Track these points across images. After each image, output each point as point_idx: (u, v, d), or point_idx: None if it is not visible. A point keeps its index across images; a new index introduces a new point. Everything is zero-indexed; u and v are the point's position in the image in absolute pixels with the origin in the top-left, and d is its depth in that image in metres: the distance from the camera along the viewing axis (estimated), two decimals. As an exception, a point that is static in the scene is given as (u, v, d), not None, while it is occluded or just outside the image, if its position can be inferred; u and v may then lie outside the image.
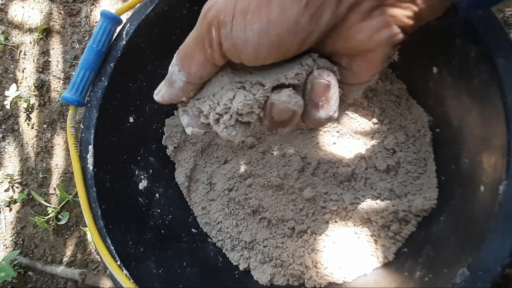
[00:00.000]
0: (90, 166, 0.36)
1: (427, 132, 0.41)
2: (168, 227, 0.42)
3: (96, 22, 0.78)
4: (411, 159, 0.41)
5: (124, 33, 0.37)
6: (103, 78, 0.37)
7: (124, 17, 0.38)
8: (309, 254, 0.42)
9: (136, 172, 0.42)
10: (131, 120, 0.41)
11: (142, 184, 0.42)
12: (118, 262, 0.33)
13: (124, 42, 0.37)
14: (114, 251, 0.33)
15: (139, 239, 0.37)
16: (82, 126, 0.37)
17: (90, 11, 0.78)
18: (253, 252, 0.43)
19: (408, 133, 0.43)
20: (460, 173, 0.32)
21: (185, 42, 0.23)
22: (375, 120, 0.45)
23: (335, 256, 0.41)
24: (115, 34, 0.38)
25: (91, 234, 0.34)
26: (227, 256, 0.44)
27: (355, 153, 0.44)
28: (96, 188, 0.35)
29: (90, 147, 0.36)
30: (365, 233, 0.40)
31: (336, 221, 0.43)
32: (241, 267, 0.43)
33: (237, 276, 0.42)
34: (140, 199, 0.41)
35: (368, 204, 0.41)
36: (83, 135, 0.37)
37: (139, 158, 0.42)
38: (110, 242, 0.34)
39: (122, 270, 0.32)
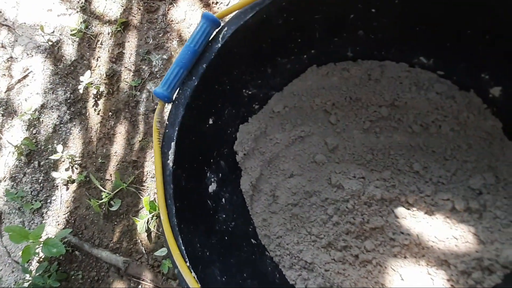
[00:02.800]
0: (170, 162, 0.36)
1: (523, 178, 0.37)
2: (231, 234, 0.41)
3: (172, 21, 0.80)
4: (501, 204, 0.38)
5: (221, 36, 0.38)
6: (194, 78, 0.38)
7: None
8: (373, 287, 0.40)
9: (208, 174, 0.42)
10: (210, 122, 0.42)
11: (212, 187, 0.42)
12: (188, 263, 0.33)
13: (219, 45, 0.38)
14: (184, 251, 0.33)
15: (205, 243, 0.37)
16: (167, 122, 0.37)
17: (168, 10, 0.81)
18: (313, 274, 0.42)
19: (499, 175, 0.39)
20: None
21: None
22: (458, 155, 0.43)
23: (403, 295, 0.38)
24: (212, 36, 0.38)
25: (164, 231, 0.34)
26: (284, 273, 0.43)
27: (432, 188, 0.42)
28: (173, 185, 0.35)
29: (173, 144, 0.36)
30: (441, 276, 0.37)
31: (406, 257, 0.40)
32: (297, 288, 0.41)
33: (293, 296, 0.41)
34: (209, 202, 0.41)
35: (446, 245, 0.38)
36: (167, 131, 0.37)
37: (212, 160, 0.42)
38: (181, 241, 0.33)
39: (191, 272, 0.32)
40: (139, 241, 0.70)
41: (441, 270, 0.37)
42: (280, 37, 0.42)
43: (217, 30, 0.38)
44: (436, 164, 0.43)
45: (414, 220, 0.41)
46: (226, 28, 0.38)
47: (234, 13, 0.38)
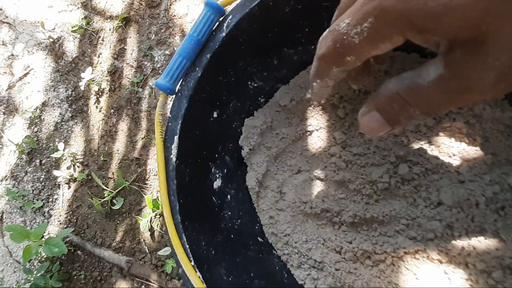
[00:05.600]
0: (173, 157, 0.34)
1: (545, 172, 0.35)
2: (237, 232, 0.40)
3: (174, 16, 0.79)
4: (522, 200, 0.36)
5: (225, 25, 0.36)
6: (197, 69, 0.36)
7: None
8: (385, 287, 0.38)
9: (213, 170, 0.40)
10: (215, 115, 0.40)
11: (217, 183, 0.40)
12: (192, 263, 0.31)
13: (223, 34, 0.36)
14: (188, 250, 0.32)
15: (211, 241, 0.35)
16: (170, 115, 0.36)
17: (170, 4, 0.80)
18: (322, 273, 0.40)
19: (519, 169, 0.37)
20: None
21: None
22: (475, 148, 0.41)
23: (418, 295, 0.36)
24: (216, 25, 0.37)
25: (168, 229, 0.32)
26: (292, 273, 0.41)
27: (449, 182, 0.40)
28: (176, 181, 0.34)
29: (176, 138, 0.35)
30: (459, 275, 0.35)
31: (421, 256, 0.38)
32: (306, 288, 0.40)
33: (302, 297, 0.39)
34: (214, 198, 0.39)
35: (464, 242, 0.36)
36: (169, 124, 0.36)
37: (216, 155, 0.41)
38: (185, 239, 0.32)
39: (196, 272, 0.30)
40: (142, 240, 0.68)
41: (459, 269, 0.35)
42: (287, 26, 0.40)
43: (221, 18, 0.37)
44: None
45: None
46: (230, 17, 0.36)
47: (239, 1, 0.37)
